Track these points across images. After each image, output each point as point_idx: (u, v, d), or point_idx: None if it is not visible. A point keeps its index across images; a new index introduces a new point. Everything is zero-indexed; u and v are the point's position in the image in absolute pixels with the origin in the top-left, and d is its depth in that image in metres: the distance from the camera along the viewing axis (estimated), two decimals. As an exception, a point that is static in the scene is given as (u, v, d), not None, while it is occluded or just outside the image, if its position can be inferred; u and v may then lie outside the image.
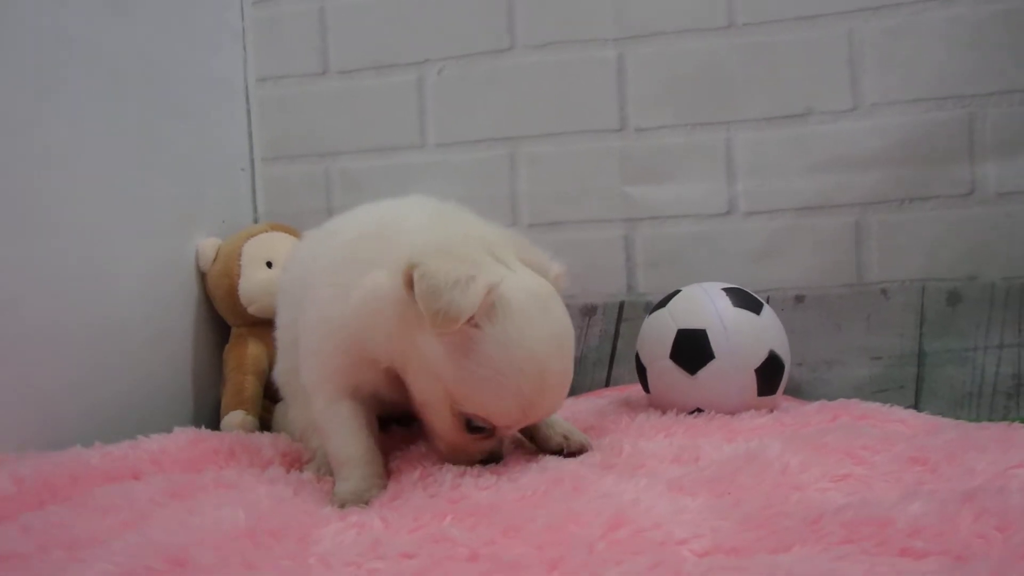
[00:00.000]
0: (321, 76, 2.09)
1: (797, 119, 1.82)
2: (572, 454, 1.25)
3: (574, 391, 1.79)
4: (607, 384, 1.85)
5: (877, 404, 1.41)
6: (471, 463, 1.15)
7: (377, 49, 2.05)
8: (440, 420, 1.15)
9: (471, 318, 1.05)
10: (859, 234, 1.79)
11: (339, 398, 1.22)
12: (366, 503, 1.09)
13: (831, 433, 1.15)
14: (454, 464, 1.15)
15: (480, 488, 1.05)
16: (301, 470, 1.29)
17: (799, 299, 1.80)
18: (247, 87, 2.10)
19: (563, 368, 1.14)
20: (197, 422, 1.71)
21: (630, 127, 1.90)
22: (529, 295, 1.11)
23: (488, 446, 1.18)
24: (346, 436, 1.21)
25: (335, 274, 1.23)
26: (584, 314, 1.90)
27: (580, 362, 1.88)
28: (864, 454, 1.07)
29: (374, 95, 2.05)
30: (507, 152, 1.97)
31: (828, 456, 1.07)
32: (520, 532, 0.88)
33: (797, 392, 1.72)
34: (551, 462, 1.17)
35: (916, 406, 1.63)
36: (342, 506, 1.08)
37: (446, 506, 0.99)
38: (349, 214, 1.41)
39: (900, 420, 1.32)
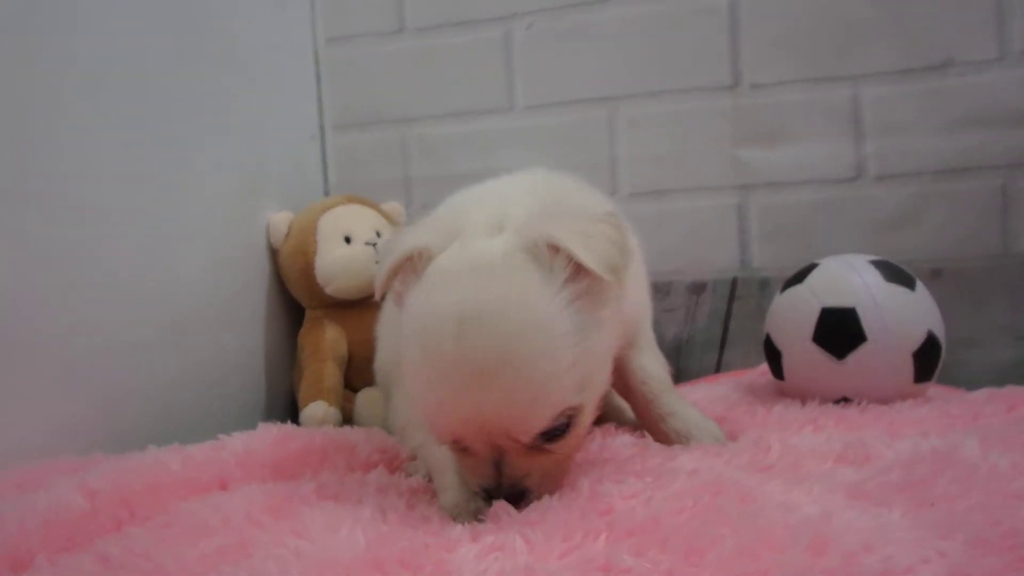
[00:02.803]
0: (397, 34, 1.93)
1: (934, 71, 1.63)
2: None
3: (683, 377, 1.65)
4: (717, 369, 1.68)
5: (1058, 392, 1.23)
6: (471, 511, 0.90)
7: (457, 2, 1.88)
8: None
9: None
10: (1005, 199, 1.60)
11: None
12: (477, 516, 0.89)
13: (1027, 427, 0.97)
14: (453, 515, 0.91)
15: (625, 497, 0.88)
16: (406, 473, 1.13)
17: (935, 273, 1.61)
18: (316, 49, 1.96)
19: (466, 350, 0.82)
20: (270, 413, 1.65)
21: (744, 83, 1.72)
22: (455, 262, 0.88)
23: (478, 474, 0.90)
24: None
25: None
26: (692, 292, 1.73)
27: (687, 344, 1.71)
28: (1084, 454, 0.89)
29: (455, 54, 1.89)
30: (605, 114, 1.80)
31: (1041, 456, 0.88)
32: (705, 557, 0.71)
33: None
34: (688, 461, 1.01)
35: (1074, 393, 1.45)
36: (454, 518, 0.90)
37: (597, 521, 0.81)
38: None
39: (1097, 414, 1.13)
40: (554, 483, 0.91)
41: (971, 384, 1.50)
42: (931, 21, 1.62)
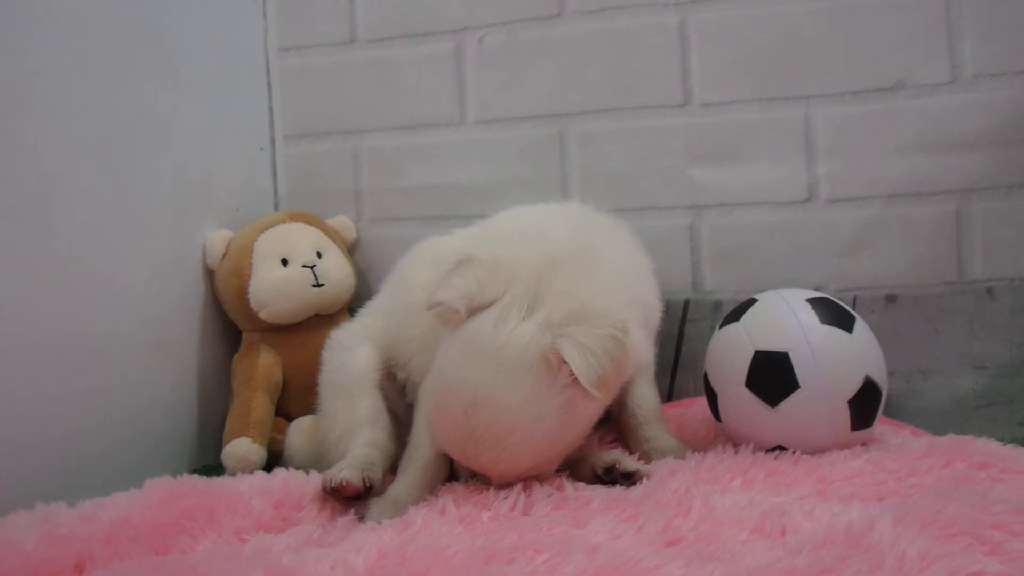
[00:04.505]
0: (348, 45, 1.88)
1: (886, 93, 1.58)
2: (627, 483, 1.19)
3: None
4: (669, 395, 1.65)
5: (995, 444, 1.19)
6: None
7: (410, 15, 1.83)
8: None
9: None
10: (960, 225, 1.56)
11: None
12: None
13: (951, 501, 0.93)
14: None
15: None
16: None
17: (891, 299, 1.58)
18: (267, 58, 1.91)
19: (472, 424, 1.08)
20: (202, 443, 1.63)
21: (695, 102, 1.67)
22: (484, 341, 1.09)
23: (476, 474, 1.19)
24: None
25: None
26: (643, 314, 1.68)
27: (639, 368, 1.68)
28: (997, 537, 0.85)
29: (407, 66, 1.84)
30: (556, 130, 1.75)
31: (952, 540, 0.85)
32: None
33: (888, 406, 1.46)
34: (598, 527, 1.00)
35: (1026, 423, 1.44)
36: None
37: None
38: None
39: (1030, 472, 1.09)
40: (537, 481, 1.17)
41: (927, 415, 1.51)
42: (883, 42, 1.57)
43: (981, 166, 1.54)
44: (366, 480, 1.20)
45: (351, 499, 1.20)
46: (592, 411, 1.15)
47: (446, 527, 1.01)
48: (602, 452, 1.27)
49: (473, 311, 1.12)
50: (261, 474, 1.28)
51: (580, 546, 0.92)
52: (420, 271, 1.38)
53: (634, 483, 1.18)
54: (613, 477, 1.20)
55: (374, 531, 1.02)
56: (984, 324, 1.54)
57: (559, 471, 1.22)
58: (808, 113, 1.61)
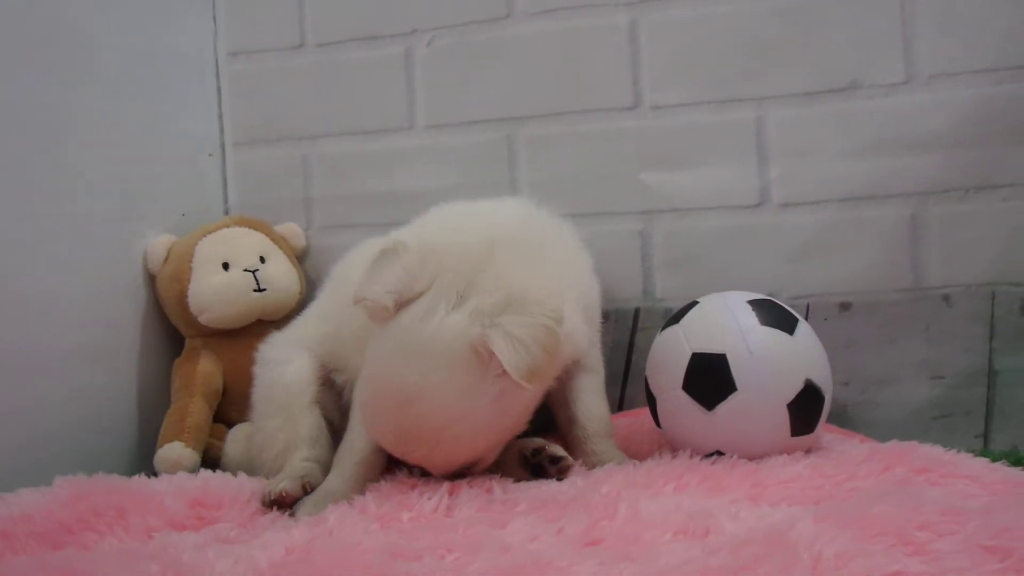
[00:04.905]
0: (298, 49, 1.84)
1: (840, 93, 1.55)
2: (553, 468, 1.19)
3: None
4: (620, 405, 1.61)
5: (939, 449, 1.15)
6: None
7: (359, 18, 1.80)
8: None
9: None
10: (916, 229, 1.52)
11: None
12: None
13: (880, 503, 0.89)
14: None
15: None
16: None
17: (845, 307, 1.54)
18: (217, 63, 1.88)
19: (402, 421, 1.08)
20: (141, 452, 1.58)
21: (645, 104, 1.64)
22: (412, 338, 1.07)
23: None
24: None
25: None
26: (594, 322, 1.65)
27: (590, 379, 1.64)
28: (922, 537, 0.81)
29: (356, 70, 1.81)
30: (505, 135, 1.72)
31: (874, 541, 0.80)
32: None
33: (842, 418, 1.47)
34: (518, 528, 0.96)
35: (985, 434, 1.42)
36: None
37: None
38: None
39: (971, 476, 1.04)
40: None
41: (882, 426, 1.46)
42: (836, 42, 1.54)
43: (937, 168, 1.51)
44: (306, 487, 1.19)
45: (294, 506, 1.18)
46: (528, 398, 1.13)
47: (361, 525, 0.98)
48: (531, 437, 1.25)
49: (403, 304, 1.09)
50: (183, 474, 1.26)
51: (493, 545, 0.89)
52: (360, 271, 1.33)
53: (562, 470, 1.18)
54: (540, 460, 1.19)
55: (286, 529, 0.99)
56: (941, 332, 1.50)
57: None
58: (760, 115, 1.58)
